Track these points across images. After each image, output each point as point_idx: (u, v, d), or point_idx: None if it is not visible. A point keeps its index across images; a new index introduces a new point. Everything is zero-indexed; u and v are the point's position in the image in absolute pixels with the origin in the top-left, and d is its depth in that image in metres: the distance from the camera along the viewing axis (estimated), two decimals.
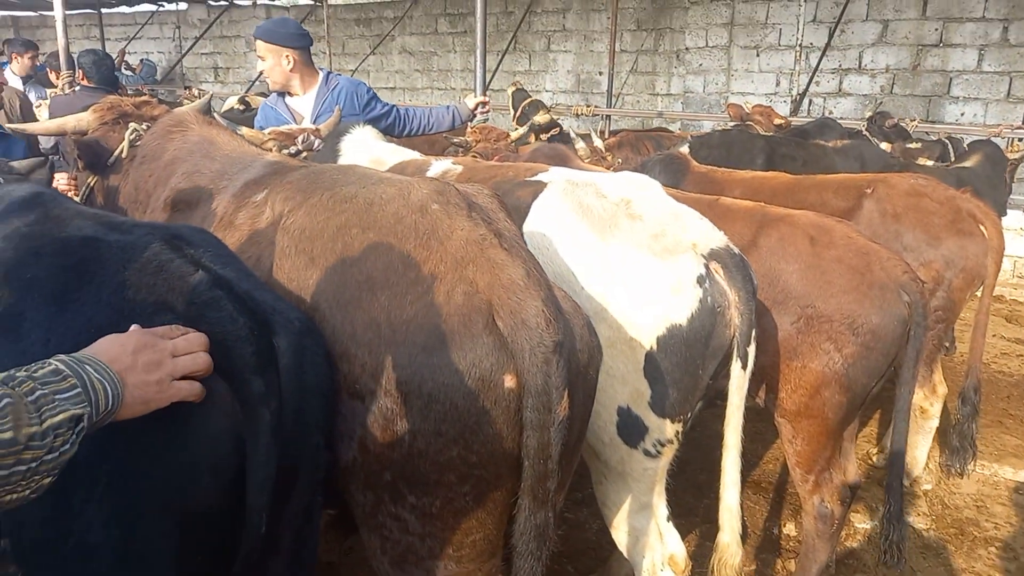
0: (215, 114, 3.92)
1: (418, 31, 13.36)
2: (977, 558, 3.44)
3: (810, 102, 9.83)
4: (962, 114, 9.17)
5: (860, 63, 9.71)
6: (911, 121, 6.50)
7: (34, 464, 1.00)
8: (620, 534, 2.34)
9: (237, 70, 15.23)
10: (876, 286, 2.67)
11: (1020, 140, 6.30)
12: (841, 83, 9.87)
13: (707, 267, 2.07)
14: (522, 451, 1.44)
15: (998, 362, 5.75)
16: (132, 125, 2.92)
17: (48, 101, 5.89)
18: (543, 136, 5.41)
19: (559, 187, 2.28)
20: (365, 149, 3.22)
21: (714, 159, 4.72)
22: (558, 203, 2.24)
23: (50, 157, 3.85)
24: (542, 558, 1.49)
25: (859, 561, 3.43)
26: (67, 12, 6.21)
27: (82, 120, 3.00)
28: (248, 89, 11.54)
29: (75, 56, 5.83)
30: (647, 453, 2.18)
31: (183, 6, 15.48)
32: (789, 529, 3.62)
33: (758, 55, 10.24)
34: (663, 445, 2.18)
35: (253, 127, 4.02)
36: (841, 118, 8.15)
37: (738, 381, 2.11)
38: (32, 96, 6.86)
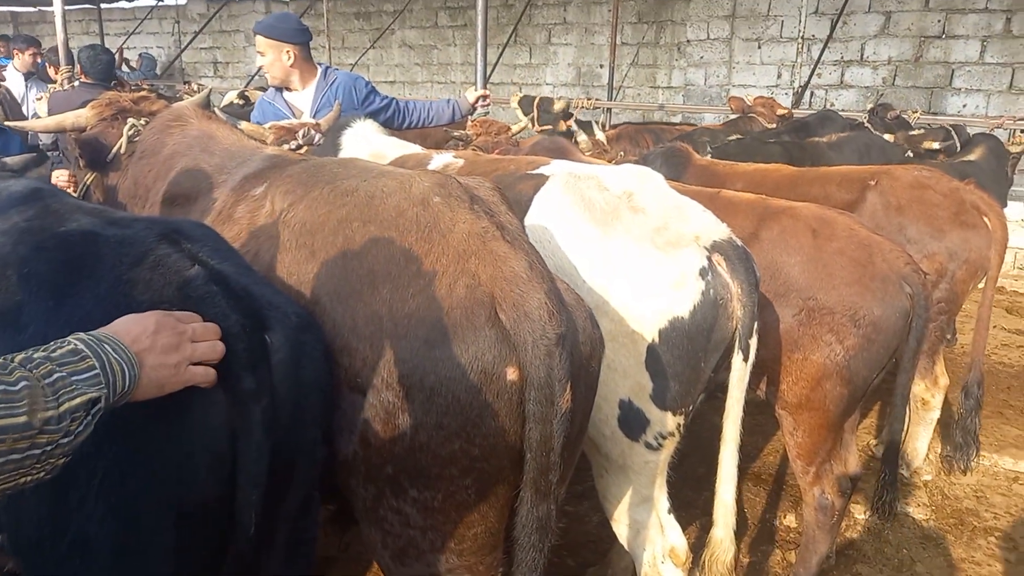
0: (215, 109, 3.92)
1: (418, 24, 13.33)
2: (977, 548, 3.44)
3: (812, 94, 9.81)
4: (964, 106, 9.16)
5: (862, 55, 9.68)
6: (913, 113, 6.49)
7: (49, 447, 0.99)
8: (621, 527, 2.34)
9: (237, 64, 15.20)
10: (878, 278, 2.66)
11: (1022, 132, 6.28)
12: (843, 75, 9.84)
13: (710, 260, 2.07)
14: (524, 444, 1.44)
15: (998, 353, 5.75)
16: (131, 121, 2.91)
17: (47, 96, 5.88)
18: (567, 123, 5.48)
19: (561, 180, 2.27)
20: (366, 143, 3.21)
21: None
22: (560, 196, 2.23)
23: (49, 154, 3.85)
24: (544, 550, 1.49)
25: (859, 552, 3.44)
26: (66, 7, 6.20)
27: (81, 117, 2.99)
28: (247, 84, 11.52)
29: (75, 51, 5.82)
30: (648, 446, 2.18)
31: (182, 1, 15.45)
32: (789, 521, 3.63)
33: (760, 47, 10.22)
34: (664, 438, 2.17)
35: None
36: (843, 110, 8.13)
37: (739, 374, 2.10)
38: (33, 92, 6.86)
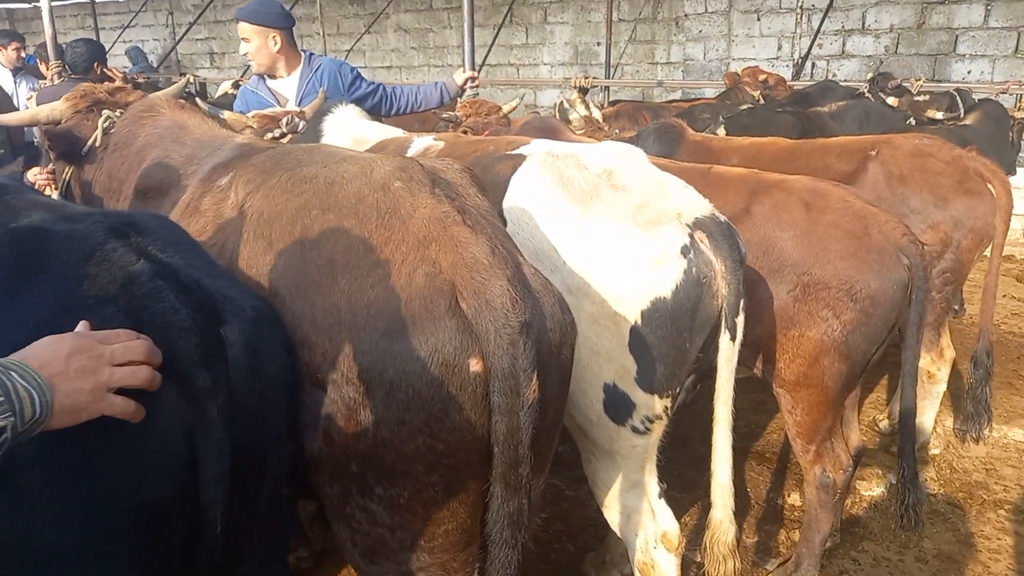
0: (198, 100, 3.85)
1: (412, 8, 13.16)
2: (986, 521, 3.38)
3: (813, 65, 9.62)
4: (969, 72, 8.95)
5: (863, 23, 9.47)
6: (915, 81, 6.32)
7: None
8: (611, 513, 2.29)
9: (233, 55, 15.08)
10: (874, 250, 2.58)
11: None
12: (844, 45, 9.64)
13: (692, 237, 1.99)
14: (492, 437, 1.38)
15: (1008, 323, 5.65)
16: (105, 112, 2.85)
17: (37, 93, 5.82)
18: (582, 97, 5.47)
19: (539, 160, 2.20)
20: (347, 128, 3.14)
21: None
22: (537, 176, 2.16)
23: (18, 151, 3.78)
24: (517, 546, 1.43)
25: (865, 529, 3.38)
26: (59, 2, 6.12)
27: (55, 109, 2.93)
28: (243, 74, 11.42)
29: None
30: (635, 430, 2.11)
31: None
32: (793, 499, 3.57)
33: (759, 19, 10.01)
34: (652, 422, 2.11)
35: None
36: (845, 80, 7.97)
37: (727, 354, 2.03)
38: (24, 88, 6.79)
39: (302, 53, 4.24)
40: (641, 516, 2.24)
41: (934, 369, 3.85)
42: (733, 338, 2.01)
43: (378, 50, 13.69)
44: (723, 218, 2.05)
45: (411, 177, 1.55)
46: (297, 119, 3.58)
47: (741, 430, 4.31)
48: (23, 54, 6.81)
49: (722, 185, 2.89)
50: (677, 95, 9.10)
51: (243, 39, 4.14)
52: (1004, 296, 6.08)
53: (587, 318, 2.06)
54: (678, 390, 2.14)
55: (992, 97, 6.11)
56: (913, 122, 5.27)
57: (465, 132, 4.30)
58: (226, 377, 1.24)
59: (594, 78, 8.23)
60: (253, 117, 3.58)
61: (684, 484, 3.56)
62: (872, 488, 3.63)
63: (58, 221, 1.52)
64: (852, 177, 3.73)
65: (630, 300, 2.00)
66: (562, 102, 4.94)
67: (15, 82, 6.76)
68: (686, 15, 10.56)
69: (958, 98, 5.77)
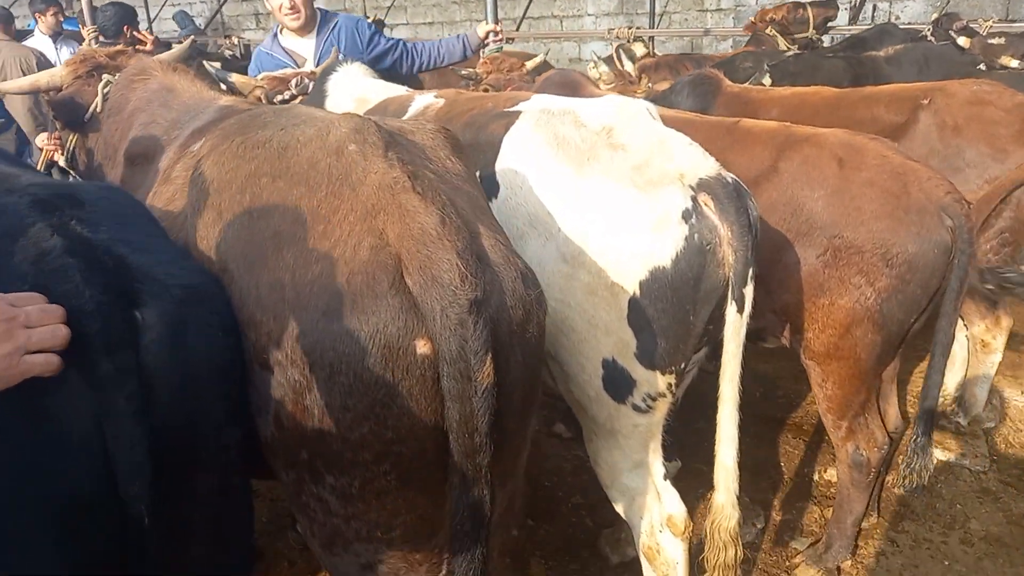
0: (206, 63, 3.76)
1: None
2: None
3: (874, 7, 8.99)
4: None
5: None
6: (984, 22, 5.81)
7: None
8: (614, 494, 2.17)
9: None
10: (913, 210, 2.35)
11: None
12: None
13: (694, 200, 1.80)
14: (445, 424, 1.26)
15: None
16: (106, 77, 2.78)
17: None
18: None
19: (532, 118, 2.03)
20: (351, 87, 3.02)
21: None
22: (530, 135, 2.00)
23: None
24: (480, 539, 1.32)
25: (907, 507, 3.18)
26: None
27: (55, 76, 2.88)
28: None
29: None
30: (637, 408, 1.97)
31: None
32: (830, 475, 3.38)
33: None
34: (654, 399, 1.96)
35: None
36: (908, 24, 7.40)
37: (734, 327, 1.85)
38: (65, 53, 6.82)
39: (317, 11, 4.11)
40: (646, 498, 2.11)
41: (989, 338, 3.56)
42: (741, 310, 1.83)
43: (420, 5, 13.41)
44: (731, 178, 1.85)
45: (366, 140, 1.41)
46: (307, 80, 3.47)
47: (779, 399, 4.10)
48: (61, 18, 6.84)
49: (749, 140, 2.68)
50: (728, 45, 8.65)
51: None
52: None
53: (583, 288, 1.91)
54: (684, 366, 1.98)
55: None
56: (984, 68, 4.83)
57: (486, 90, 4.12)
58: (136, 363, 1.14)
59: (638, 28, 7.86)
60: (262, 79, 3.49)
61: (704, 459, 3.39)
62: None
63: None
64: (902, 129, 3.44)
65: (627, 269, 1.84)
66: (594, 62, 4.68)
67: (56, 47, 6.80)
68: None
69: None
